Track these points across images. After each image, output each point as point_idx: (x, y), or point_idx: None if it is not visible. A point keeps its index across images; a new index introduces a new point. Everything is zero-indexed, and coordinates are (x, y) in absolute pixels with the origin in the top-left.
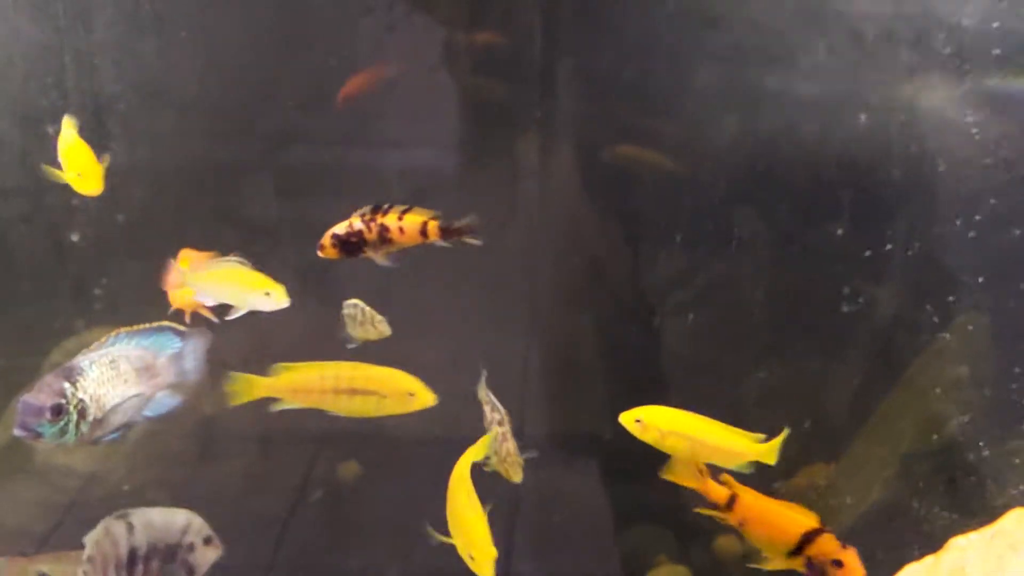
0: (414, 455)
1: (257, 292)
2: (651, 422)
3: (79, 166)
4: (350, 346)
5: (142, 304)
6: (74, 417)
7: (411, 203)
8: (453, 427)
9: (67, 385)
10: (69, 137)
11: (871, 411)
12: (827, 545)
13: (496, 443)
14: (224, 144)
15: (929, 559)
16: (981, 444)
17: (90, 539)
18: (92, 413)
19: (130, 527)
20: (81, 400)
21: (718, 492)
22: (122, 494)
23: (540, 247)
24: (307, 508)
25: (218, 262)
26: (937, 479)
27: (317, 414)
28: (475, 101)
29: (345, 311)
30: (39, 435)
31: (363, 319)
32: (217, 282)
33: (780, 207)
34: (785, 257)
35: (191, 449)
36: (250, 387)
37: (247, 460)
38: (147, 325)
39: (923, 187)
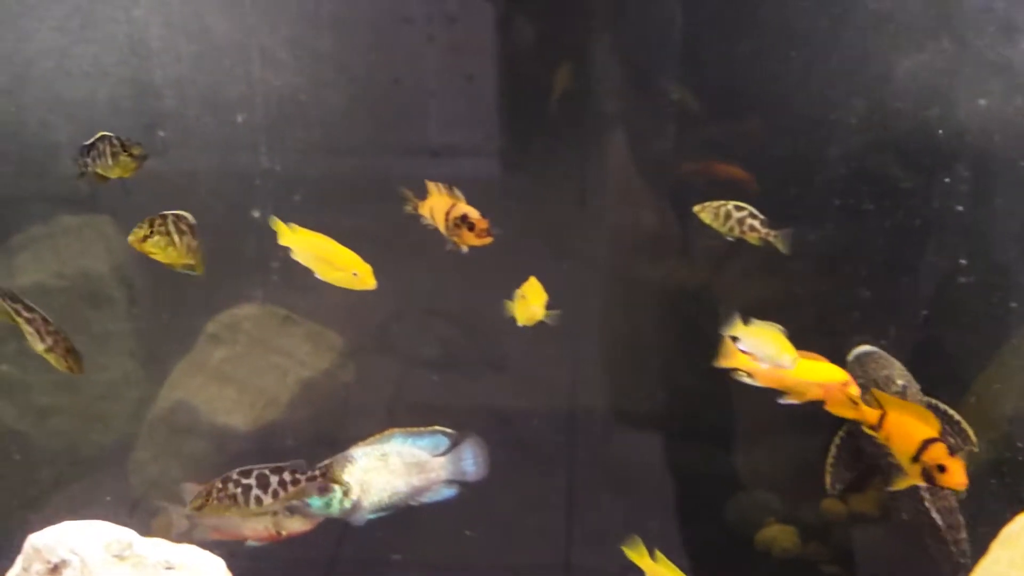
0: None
1: (786, 355)
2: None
3: (355, 269)
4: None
5: (311, 277)
6: (339, 495)
7: None
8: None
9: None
10: (341, 250)
11: (975, 377)
12: (936, 452)
13: None
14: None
15: None
16: None
17: None
18: (355, 494)
19: None
20: (346, 483)
21: (872, 414)
22: (286, 449)
23: (598, 225)
24: None
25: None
26: None
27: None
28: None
29: None
30: (308, 506)
31: None
32: (766, 342)
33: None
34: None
35: (338, 411)
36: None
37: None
38: (422, 428)
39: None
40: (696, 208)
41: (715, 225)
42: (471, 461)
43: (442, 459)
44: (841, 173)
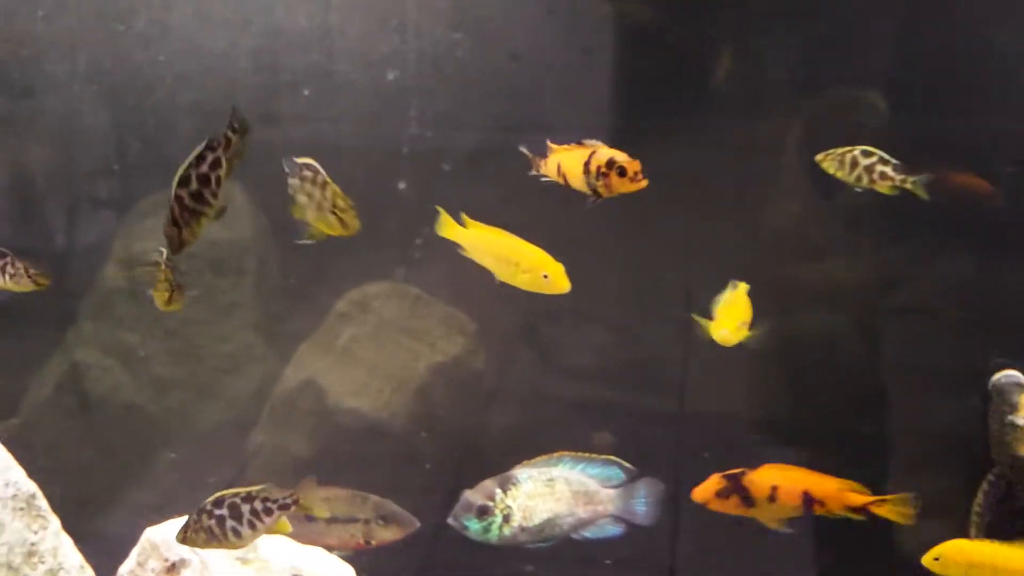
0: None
1: None
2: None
3: (545, 269)
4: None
5: (454, 255)
6: (498, 520)
7: None
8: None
9: (499, 491)
10: (526, 248)
11: None
12: None
13: None
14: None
15: None
16: None
17: None
18: (517, 520)
19: None
20: (508, 507)
21: None
22: (416, 440)
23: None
24: None
25: None
26: None
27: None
28: None
29: None
30: (465, 528)
31: None
32: None
33: None
34: None
35: (468, 401)
36: None
37: (514, 415)
38: (597, 456)
39: None
40: (819, 157)
41: (841, 175)
42: (643, 501)
43: (612, 492)
44: None
